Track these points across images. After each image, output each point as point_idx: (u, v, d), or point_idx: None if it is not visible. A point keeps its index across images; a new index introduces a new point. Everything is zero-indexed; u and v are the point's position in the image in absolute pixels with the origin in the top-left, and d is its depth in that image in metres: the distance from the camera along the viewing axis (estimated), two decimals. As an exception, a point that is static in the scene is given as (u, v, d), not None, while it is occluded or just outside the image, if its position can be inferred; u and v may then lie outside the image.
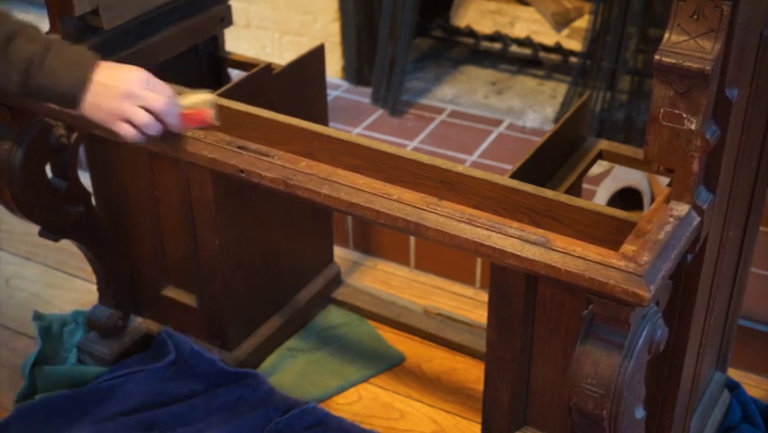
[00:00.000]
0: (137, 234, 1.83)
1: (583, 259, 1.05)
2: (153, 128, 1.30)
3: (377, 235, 2.21)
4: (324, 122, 1.86)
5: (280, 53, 2.81)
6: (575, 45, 2.59)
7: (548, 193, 1.21)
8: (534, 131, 2.47)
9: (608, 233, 1.18)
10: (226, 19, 1.82)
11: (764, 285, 1.90)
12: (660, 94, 1.07)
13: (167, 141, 1.33)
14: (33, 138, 1.56)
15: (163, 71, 1.65)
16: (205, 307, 1.83)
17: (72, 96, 1.29)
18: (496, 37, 2.70)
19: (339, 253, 2.19)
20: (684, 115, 1.06)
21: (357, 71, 2.72)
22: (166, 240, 1.81)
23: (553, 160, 1.43)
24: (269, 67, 1.68)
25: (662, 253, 1.06)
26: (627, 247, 1.07)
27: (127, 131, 1.30)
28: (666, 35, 1.05)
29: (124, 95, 1.28)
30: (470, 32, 2.74)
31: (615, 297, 1.03)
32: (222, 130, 1.36)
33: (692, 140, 1.07)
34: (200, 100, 1.34)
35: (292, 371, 1.89)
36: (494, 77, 2.75)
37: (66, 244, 1.83)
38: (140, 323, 1.93)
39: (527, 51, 2.70)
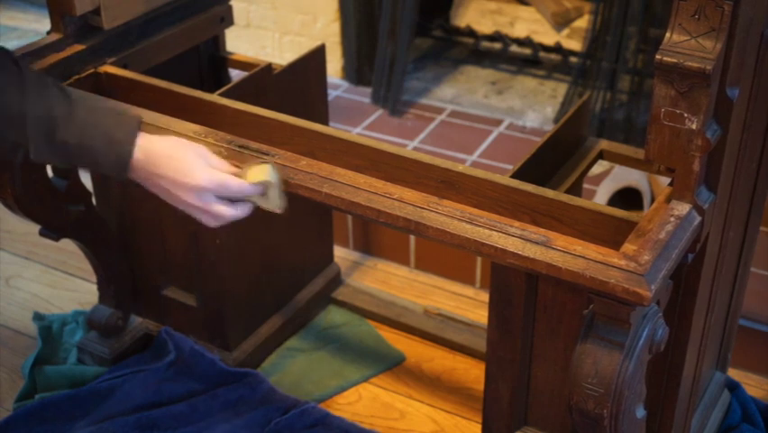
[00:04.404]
0: (137, 233, 1.83)
1: (584, 258, 1.05)
2: (233, 216, 1.24)
3: (377, 235, 2.21)
4: (325, 121, 1.86)
5: (280, 53, 2.81)
6: (575, 45, 2.59)
7: (549, 193, 1.22)
8: (534, 131, 2.47)
9: (608, 232, 1.18)
10: (227, 19, 1.82)
11: (764, 285, 1.90)
12: (661, 93, 1.07)
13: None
14: (34, 138, 1.55)
15: (163, 71, 1.66)
16: (205, 307, 1.83)
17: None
18: (496, 37, 2.70)
19: (339, 253, 2.19)
20: (685, 115, 1.06)
21: (357, 71, 2.72)
22: (166, 240, 1.81)
23: (554, 160, 1.43)
24: (269, 67, 1.69)
25: (663, 252, 1.06)
26: (628, 247, 1.07)
27: (209, 221, 1.24)
28: (667, 35, 1.05)
29: (196, 192, 1.20)
30: (471, 32, 2.74)
31: (615, 296, 1.03)
32: (222, 130, 1.36)
33: (693, 139, 1.07)
34: (263, 174, 1.22)
35: (292, 371, 1.89)
36: (494, 77, 2.75)
37: (66, 243, 1.83)
38: (140, 323, 1.93)
39: (527, 51, 2.70)
